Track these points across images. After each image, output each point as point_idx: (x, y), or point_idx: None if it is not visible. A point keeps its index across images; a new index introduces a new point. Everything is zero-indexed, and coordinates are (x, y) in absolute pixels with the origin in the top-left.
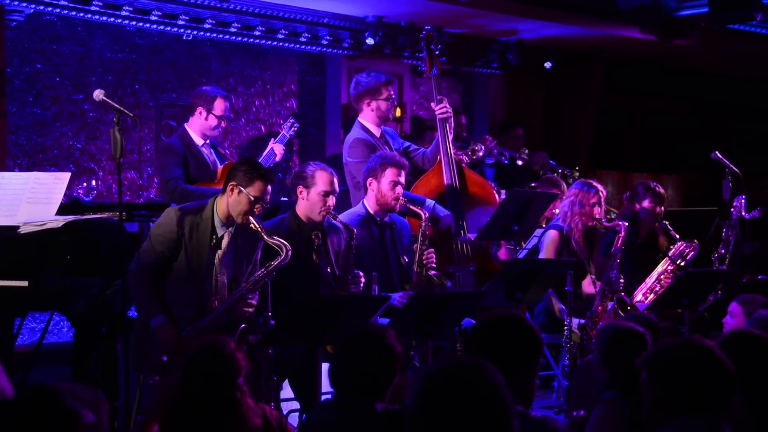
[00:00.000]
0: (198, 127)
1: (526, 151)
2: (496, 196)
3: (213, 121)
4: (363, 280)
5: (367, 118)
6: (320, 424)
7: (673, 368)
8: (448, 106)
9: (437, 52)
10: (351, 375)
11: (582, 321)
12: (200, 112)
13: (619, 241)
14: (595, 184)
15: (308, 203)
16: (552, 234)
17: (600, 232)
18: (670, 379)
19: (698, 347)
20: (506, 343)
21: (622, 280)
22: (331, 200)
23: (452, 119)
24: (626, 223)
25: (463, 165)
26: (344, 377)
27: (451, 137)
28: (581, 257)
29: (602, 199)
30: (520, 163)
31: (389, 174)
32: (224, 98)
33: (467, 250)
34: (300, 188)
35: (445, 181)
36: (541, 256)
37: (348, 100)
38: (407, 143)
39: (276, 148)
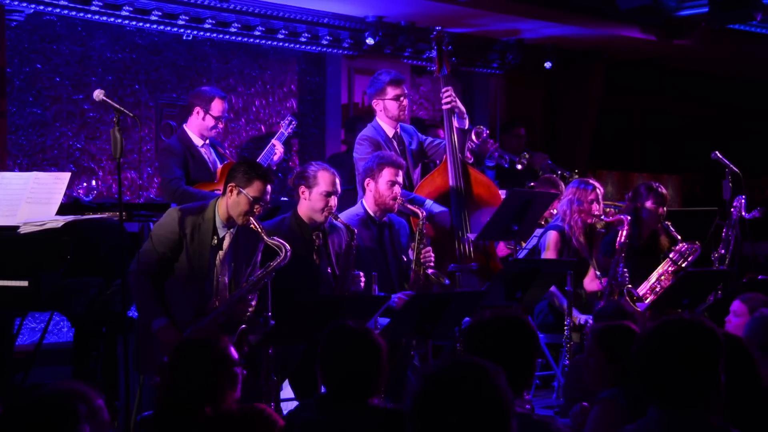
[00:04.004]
0: (196, 127)
1: (527, 155)
2: (502, 197)
3: (210, 121)
4: (363, 280)
5: (381, 118)
6: (309, 425)
7: (653, 357)
8: (453, 94)
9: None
10: (339, 375)
11: (589, 318)
12: (197, 112)
13: (623, 236)
14: (591, 181)
15: (310, 203)
16: (552, 235)
17: (600, 232)
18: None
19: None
20: (503, 342)
21: (627, 275)
22: (333, 200)
23: (460, 109)
24: (629, 217)
25: (467, 159)
26: (333, 377)
27: (456, 126)
28: (583, 255)
29: (600, 196)
30: (519, 167)
31: (386, 174)
32: (222, 99)
33: (469, 250)
34: (302, 188)
35: (450, 182)
36: (542, 257)
37: (348, 100)
38: (428, 138)
39: (277, 145)
